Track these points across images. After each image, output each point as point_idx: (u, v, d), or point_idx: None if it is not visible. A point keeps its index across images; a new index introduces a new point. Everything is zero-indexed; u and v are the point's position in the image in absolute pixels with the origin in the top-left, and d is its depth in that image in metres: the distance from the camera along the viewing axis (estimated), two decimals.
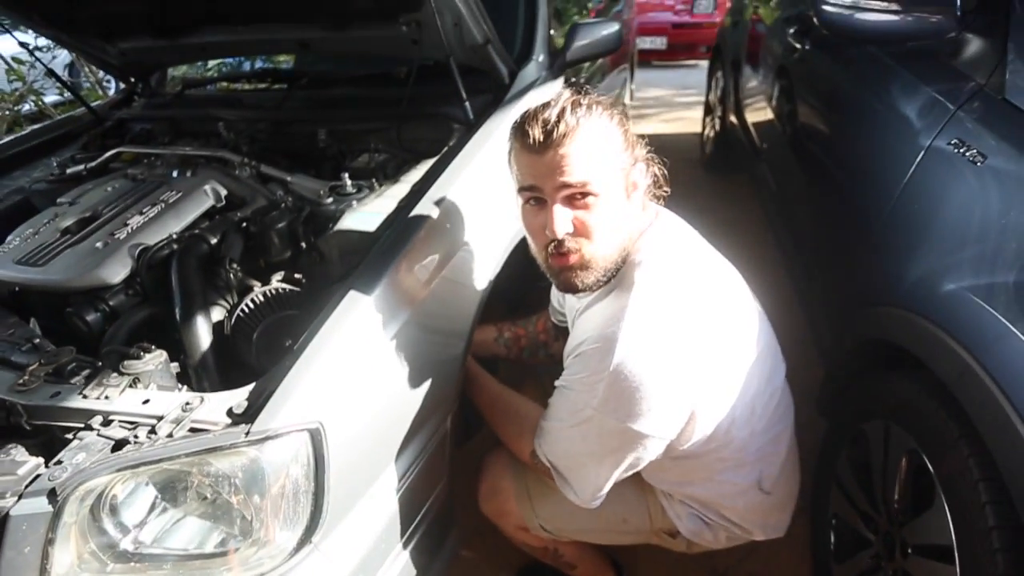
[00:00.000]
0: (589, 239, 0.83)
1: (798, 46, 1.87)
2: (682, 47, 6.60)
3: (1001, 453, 0.75)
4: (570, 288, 0.87)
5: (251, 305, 1.03)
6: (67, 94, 1.89)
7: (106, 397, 0.78)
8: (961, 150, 0.99)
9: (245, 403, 0.75)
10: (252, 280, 1.10)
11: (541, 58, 1.56)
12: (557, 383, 0.89)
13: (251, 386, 0.79)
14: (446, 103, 1.36)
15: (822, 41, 1.72)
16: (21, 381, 0.81)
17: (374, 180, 1.25)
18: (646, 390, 0.78)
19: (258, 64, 2.07)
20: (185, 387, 0.89)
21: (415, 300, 0.92)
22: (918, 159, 1.09)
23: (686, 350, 0.81)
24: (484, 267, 1.09)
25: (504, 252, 1.14)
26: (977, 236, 0.92)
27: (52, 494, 0.67)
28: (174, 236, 1.16)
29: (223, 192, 1.30)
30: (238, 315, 1.03)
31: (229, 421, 0.73)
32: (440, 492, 1.02)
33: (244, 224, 1.19)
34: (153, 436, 0.72)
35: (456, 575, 1.35)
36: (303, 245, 1.17)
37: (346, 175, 1.22)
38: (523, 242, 1.00)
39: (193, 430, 0.73)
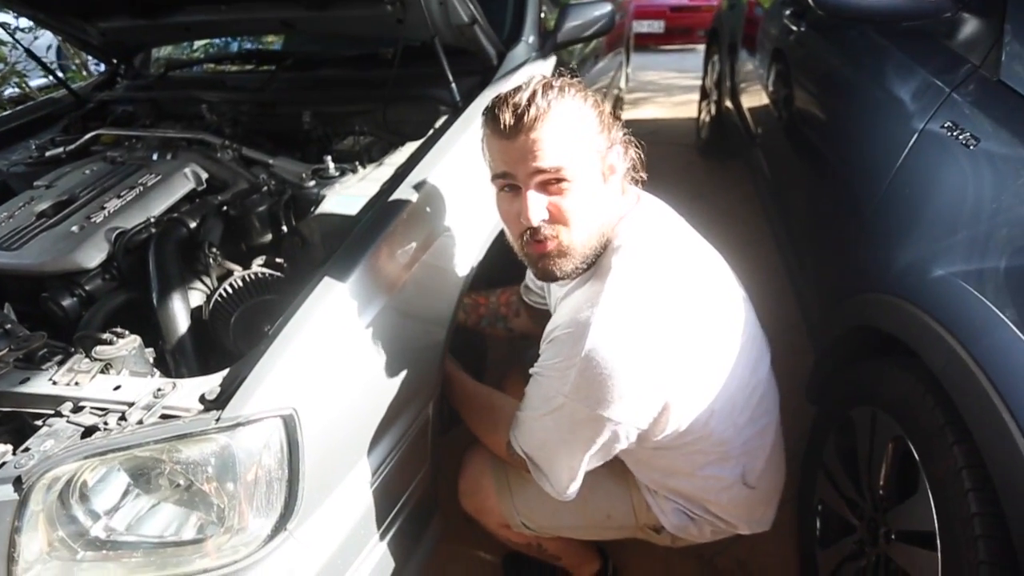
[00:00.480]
0: (565, 225, 0.80)
1: (794, 28, 1.84)
2: (680, 31, 6.53)
3: (986, 442, 0.74)
4: (548, 276, 0.85)
5: (229, 290, 1.02)
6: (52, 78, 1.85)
7: (76, 383, 0.76)
8: (954, 133, 0.97)
9: (218, 389, 0.73)
10: (232, 265, 1.08)
11: (531, 39, 1.53)
12: (531, 371, 0.87)
13: (225, 372, 0.77)
14: (432, 85, 1.34)
15: (818, 22, 1.68)
16: None
17: (357, 163, 1.23)
18: (618, 377, 0.76)
19: (243, 45, 2.03)
20: (159, 373, 0.88)
21: (394, 285, 0.90)
22: (911, 143, 1.07)
23: (661, 338, 0.79)
24: (467, 252, 1.07)
25: (488, 237, 1.12)
26: (968, 221, 0.90)
27: (18, 482, 0.65)
28: (152, 220, 1.14)
29: (204, 175, 1.28)
30: (216, 300, 1.01)
31: (201, 407, 0.72)
32: (422, 479, 1.02)
33: (224, 208, 1.17)
34: (123, 423, 0.70)
35: (441, 561, 1.36)
36: (285, 229, 1.16)
37: (329, 158, 1.21)
38: None
39: (164, 416, 0.71)
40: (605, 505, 1.02)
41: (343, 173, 1.19)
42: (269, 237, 1.16)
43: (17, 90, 3.18)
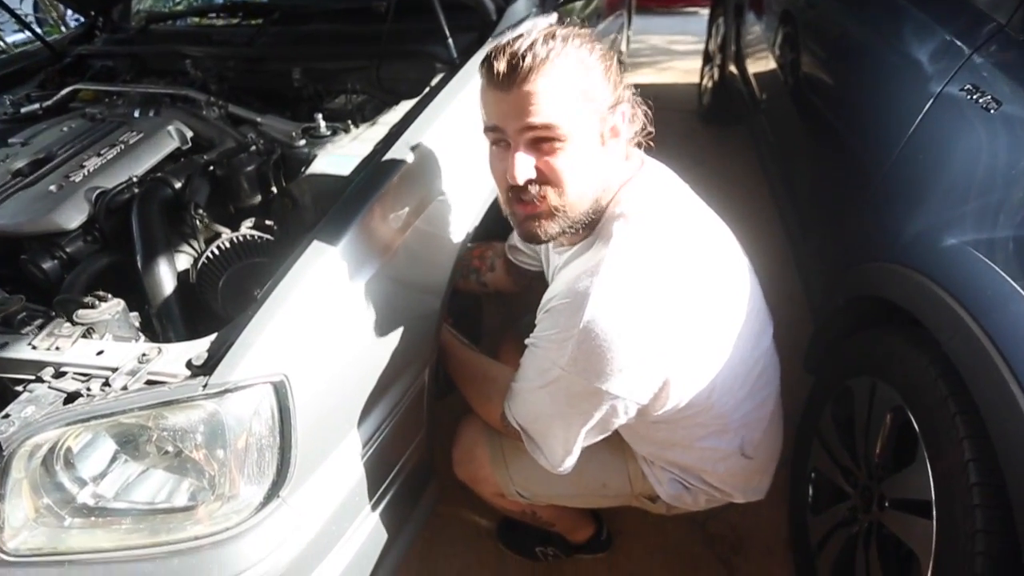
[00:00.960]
0: (555, 187, 0.75)
1: None
2: None
3: (991, 412, 0.73)
4: (532, 238, 0.81)
5: (217, 252, 0.98)
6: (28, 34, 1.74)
7: (57, 348, 0.73)
8: (974, 96, 0.93)
9: (205, 354, 0.71)
10: (220, 227, 1.04)
11: None
12: (527, 341, 0.84)
13: (212, 337, 0.75)
14: (428, 40, 1.28)
15: None
16: None
17: (350, 122, 1.18)
18: (618, 349, 0.72)
19: None
20: (144, 338, 0.85)
21: (386, 250, 0.86)
22: (927, 107, 1.03)
23: (664, 309, 0.75)
24: (463, 217, 1.03)
25: (485, 202, 1.08)
26: (984, 189, 0.87)
27: None
28: (135, 179, 1.09)
29: (188, 133, 1.23)
30: (203, 263, 0.98)
31: (188, 373, 0.69)
32: (418, 445, 1.01)
33: (211, 167, 1.12)
34: (107, 389, 0.68)
35: (437, 526, 1.37)
36: (274, 190, 1.11)
37: (320, 116, 1.15)
38: None
39: (150, 382, 0.69)
40: (600, 475, 1.01)
41: (335, 132, 1.14)
42: (258, 198, 1.11)
43: None
